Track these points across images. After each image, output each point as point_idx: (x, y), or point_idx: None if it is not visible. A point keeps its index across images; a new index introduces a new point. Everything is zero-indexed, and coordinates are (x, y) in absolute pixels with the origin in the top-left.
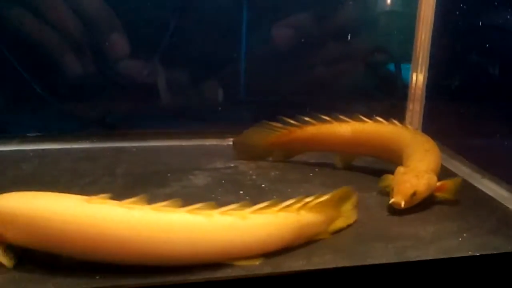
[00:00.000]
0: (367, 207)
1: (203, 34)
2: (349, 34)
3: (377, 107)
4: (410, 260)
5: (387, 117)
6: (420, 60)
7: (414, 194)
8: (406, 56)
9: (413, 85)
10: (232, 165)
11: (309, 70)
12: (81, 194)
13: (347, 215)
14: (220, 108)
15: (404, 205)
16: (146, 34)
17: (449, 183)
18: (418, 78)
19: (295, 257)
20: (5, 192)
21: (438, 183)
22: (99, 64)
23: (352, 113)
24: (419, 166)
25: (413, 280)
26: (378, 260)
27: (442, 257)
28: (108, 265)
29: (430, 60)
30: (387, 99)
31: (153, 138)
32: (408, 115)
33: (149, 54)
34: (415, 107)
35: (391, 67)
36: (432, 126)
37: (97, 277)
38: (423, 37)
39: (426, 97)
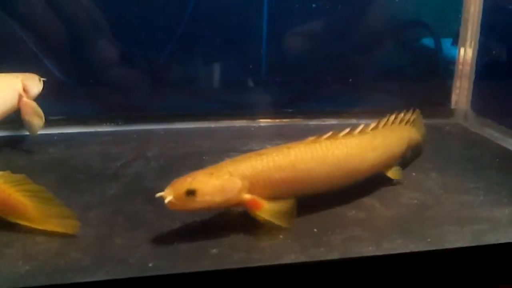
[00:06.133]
0: (428, 189)
1: (224, 14)
2: (382, 8)
3: (415, 87)
4: (491, 243)
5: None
6: (469, 33)
7: (192, 192)
8: (447, 30)
9: (461, 60)
10: (268, 146)
11: (338, 48)
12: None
13: None
14: (242, 89)
15: (176, 203)
16: (165, 16)
17: (272, 205)
18: (466, 53)
19: (363, 242)
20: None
21: (248, 197)
22: (120, 47)
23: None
24: (229, 165)
25: (492, 264)
26: (456, 244)
27: None
28: (161, 252)
29: (480, 32)
30: (427, 77)
31: (179, 120)
32: (454, 93)
33: (169, 36)
34: (463, 84)
35: (430, 42)
36: (483, 104)
37: (150, 265)
38: (472, 8)
39: (476, 73)
